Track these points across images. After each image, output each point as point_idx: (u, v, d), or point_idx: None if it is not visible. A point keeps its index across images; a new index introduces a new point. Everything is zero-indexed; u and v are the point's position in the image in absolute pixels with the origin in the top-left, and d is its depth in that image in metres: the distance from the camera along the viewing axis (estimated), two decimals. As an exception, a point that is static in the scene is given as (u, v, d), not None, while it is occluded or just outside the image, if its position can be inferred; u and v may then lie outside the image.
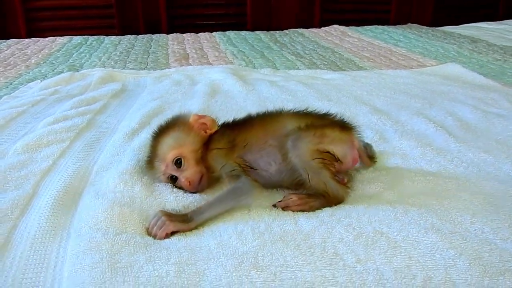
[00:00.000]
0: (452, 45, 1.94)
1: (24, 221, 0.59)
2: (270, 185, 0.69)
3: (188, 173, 0.67)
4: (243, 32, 2.43)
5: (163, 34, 2.40)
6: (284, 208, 0.63)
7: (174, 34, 2.39)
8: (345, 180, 0.71)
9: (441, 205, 0.63)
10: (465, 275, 0.49)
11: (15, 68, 1.60)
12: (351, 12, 2.92)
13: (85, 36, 2.26)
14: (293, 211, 0.63)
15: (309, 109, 0.74)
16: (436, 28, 2.48)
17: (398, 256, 0.52)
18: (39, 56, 1.82)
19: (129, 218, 0.60)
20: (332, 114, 0.73)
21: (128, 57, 1.83)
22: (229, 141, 0.69)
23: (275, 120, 0.71)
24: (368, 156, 0.76)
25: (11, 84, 1.36)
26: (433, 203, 0.64)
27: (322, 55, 1.84)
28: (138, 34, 2.41)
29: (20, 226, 0.58)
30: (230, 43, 2.13)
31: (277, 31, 2.46)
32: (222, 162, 0.66)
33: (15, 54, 1.85)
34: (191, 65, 1.68)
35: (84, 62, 1.72)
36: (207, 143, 0.69)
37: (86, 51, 1.95)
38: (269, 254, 0.52)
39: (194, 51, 1.95)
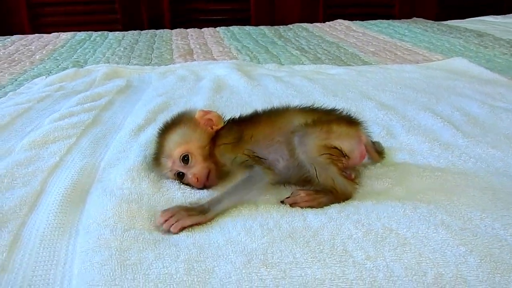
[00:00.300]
0: (458, 39, 1.92)
1: (33, 218, 0.59)
2: (277, 182, 0.68)
3: (196, 169, 0.67)
4: (247, 27, 2.42)
5: (167, 30, 2.40)
6: (292, 205, 0.63)
7: (178, 29, 2.38)
8: (353, 175, 0.70)
9: (450, 201, 0.62)
10: (476, 272, 0.49)
11: (19, 64, 1.60)
12: (355, 6, 2.91)
13: (89, 31, 2.26)
14: (301, 207, 0.62)
15: (315, 105, 0.74)
16: (442, 22, 2.46)
17: (408, 253, 0.51)
18: (44, 52, 1.82)
19: (137, 215, 0.60)
20: (339, 110, 0.73)
21: (132, 52, 1.82)
22: (236, 137, 0.69)
23: (281, 116, 0.70)
24: (377, 151, 0.75)
25: (16, 80, 1.36)
26: (442, 199, 0.63)
27: (326, 50, 1.83)
28: (141, 30, 2.40)
29: (29, 223, 0.58)
30: (234, 38, 2.12)
31: (281, 26, 2.45)
32: (231, 157, 0.66)
33: (19, 50, 1.85)
34: (195, 60, 1.67)
35: (89, 58, 1.72)
36: (214, 139, 0.69)
37: (90, 46, 1.94)
38: (278, 251, 0.51)
39: (198, 46, 1.94)
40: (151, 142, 0.80)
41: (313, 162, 0.63)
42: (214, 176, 0.68)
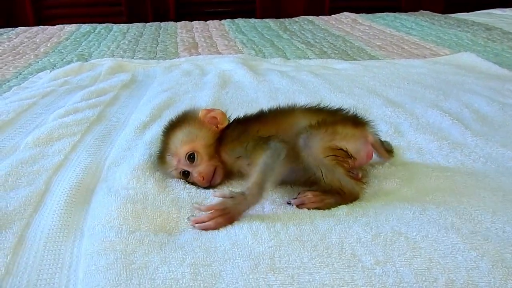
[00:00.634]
0: (466, 33, 1.90)
1: (37, 219, 0.58)
2: (283, 183, 0.67)
3: (201, 167, 0.66)
4: (252, 20, 2.40)
5: (172, 22, 2.38)
6: (299, 206, 0.62)
7: (183, 22, 2.36)
8: (360, 175, 0.69)
9: (460, 203, 0.61)
10: (488, 278, 0.48)
11: (24, 57, 1.59)
12: (361, -2, 2.87)
13: (94, 24, 2.24)
14: (309, 209, 0.62)
15: (321, 105, 0.73)
16: (449, 15, 2.43)
17: (418, 258, 0.50)
18: (48, 45, 1.81)
19: (142, 215, 0.59)
20: (345, 110, 0.72)
21: (137, 46, 1.81)
22: (242, 133, 0.68)
23: (287, 116, 0.70)
24: (386, 150, 0.74)
25: (20, 74, 1.36)
26: (452, 200, 0.62)
27: (332, 44, 1.81)
28: (146, 22, 2.39)
29: (33, 224, 0.57)
30: (240, 31, 2.10)
31: (287, 19, 2.42)
32: (241, 148, 0.65)
33: (24, 43, 1.84)
34: (200, 54, 1.66)
35: (93, 51, 1.71)
36: (219, 139, 0.68)
37: (95, 39, 1.93)
38: (285, 255, 0.51)
39: (203, 39, 1.93)
40: (156, 140, 0.79)
41: (319, 164, 0.63)
42: (220, 174, 0.68)
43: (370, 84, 1.21)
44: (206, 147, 0.68)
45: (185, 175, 0.68)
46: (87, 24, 2.24)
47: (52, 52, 1.69)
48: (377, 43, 1.79)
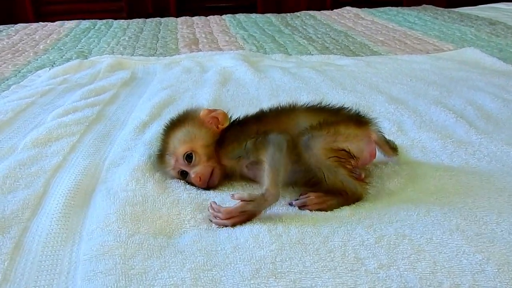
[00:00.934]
0: (470, 27, 1.88)
1: (35, 223, 0.57)
2: (285, 183, 0.66)
3: (199, 168, 0.66)
4: (254, 15, 2.38)
5: (172, 18, 2.37)
6: (301, 207, 0.62)
7: (183, 17, 2.34)
8: (363, 175, 0.68)
9: (464, 204, 0.60)
10: (494, 282, 0.47)
11: (23, 54, 1.58)
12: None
13: (93, 20, 2.23)
14: (311, 210, 0.61)
15: (323, 104, 0.72)
16: (452, 9, 2.40)
17: (423, 262, 0.49)
18: (48, 42, 1.79)
19: (142, 218, 0.58)
20: (347, 108, 0.71)
21: (137, 42, 1.80)
22: (241, 134, 0.67)
23: (288, 117, 0.69)
24: (390, 147, 0.73)
25: (19, 72, 1.35)
26: (456, 201, 0.61)
27: (334, 39, 1.79)
28: (146, 17, 2.37)
29: (31, 228, 0.56)
30: (241, 26, 2.09)
31: (288, 14, 2.40)
32: (241, 148, 0.64)
33: (23, 40, 1.83)
34: (201, 50, 1.65)
35: (93, 48, 1.70)
36: (218, 140, 0.67)
37: (95, 36, 1.92)
38: (287, 259, 0.50)
39: (204, 35, 1.91)
40: (156, 140, 0.78)
41: (321, 166, 0.62)
42: (217, 176, 0.67)
43: (373, 81, 1.19)
44: (205, 147, 0.67)
45: (183, 175, 0.67)
46: (87, 20, 2.23)
47: (51, 49, 1.68)
48: (380, 38, 1.77)
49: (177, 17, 2.38)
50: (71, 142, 0.79)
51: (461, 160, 0.75)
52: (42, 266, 0.49)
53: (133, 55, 1.57)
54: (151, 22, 2.23)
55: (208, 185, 0.66)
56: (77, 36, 1.92)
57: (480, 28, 1.86)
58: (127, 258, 0.50)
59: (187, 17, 2.33)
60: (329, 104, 0.72)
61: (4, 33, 1.95)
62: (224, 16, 2.34)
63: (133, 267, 0.48)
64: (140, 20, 2.27)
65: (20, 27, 2.09)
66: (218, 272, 0.48)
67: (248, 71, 1.26)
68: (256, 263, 0.49)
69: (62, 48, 1.70)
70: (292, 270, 0.48)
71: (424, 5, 2.58)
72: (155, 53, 1.63)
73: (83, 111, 0.93)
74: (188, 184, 0.67)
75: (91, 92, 1.06)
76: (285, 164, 0.60)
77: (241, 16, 2.32)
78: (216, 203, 0.59)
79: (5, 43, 1.77)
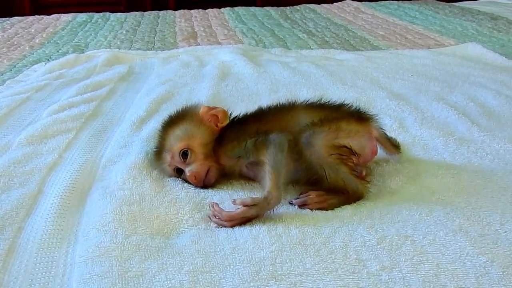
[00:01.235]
0: (471, 22, 1.86)
1: (30, 223, 0.56)
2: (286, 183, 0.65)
3: (194, 166, 0.64)
4: (253, 8, 2.35)
5: (170, 11, 2.34)
6: (301, 206, 0.61)
7: (182, 10, 2.32)
8: (364, 173, 0.67)
9: (467, 203, 0.59)
10: (498, 285, 0.46)
11: (19, 48, 1.56)
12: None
13: (90, 13, 2.21)
14: (311, 209, 0.60)
15: (323, 100, 0.71)
16: (453, 3, 2.38)
17: (425, 264, 0.48)
18: (43, 36, 1.77)
19: (139, 218, 0.57)
20: (348, 105, 0.70)
21: (135, 36, 1.78)
22: (240, 133, 0.66)
23: (288, 114, 0.67)
24: (392, 144, 0.72)
25: (14, 66, 1.33)
26: (459, 201, 0.60)
27: (335, 33, 1.78)
28: (144, 10, 2.35)
29: (25, 228, 0.55)
30: (240, 20, 2.06)
31: (288, 7, 2.38)
32: (240, 148, 0.63)
33: (18, 33, 1.81)
34: (199, 44, 1.63)
35: (90, 42, 1.68)
36: (218, 139, 0.66)
37: (92, 29, 1.90)
38: (287, 260, 0.49)
39: (202, 29, 1.89)
40: (153, 136, 0.77)
41: (322, 163, 0.60)
42: (213, 175, 0.65)
43: (373, 76, 1.18)
44: (202, 145, 0.65)
45: (178, 172, 0.66)
46: (83, 13, 2.20)
47: (47, 43, 1.66)
48: (380, 33, 1.76)
49: (175, 10, 2.35)
50: (67, 139, 0.78)
51: (464, 158, 0.74)
52: (37, 269, 0.48)
53: (130, 49, 1.56)
54: (149, 15, 2.21)
55: (204, 184, 0.65)
56: (74, 29, 1.90)
57: (482, 23, 1.84)
58: (123, 260, 0.48)
59: (186, 10, 2.31)
60: (329, 101, 0.71)
61: (0, 27, 1.93)
62: (223, 9, 2.32)
63: (130, 269, 0.47)
64: (138, 13, 2.25)
65: (16, 20, 2.06)
66: (217, 274, 0.47)
67: (247, 66, 1.24)
68: (256, 264, 0.48)
69: (58, 42, 1.68)
70: (292, 272, 0.47)
71: (425, -1, 2.56)
72: (153, 47, 1.61)
73: (79, 107, 0.92)
74: (185, 182, 0.66)
75: (87, 87, 1.05)
76: (286, 165, 0.59)
77: (240, 9, 2.30)
78: (218, 205, 0.57)
79: (0, 37, 1.75)
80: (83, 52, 1.48)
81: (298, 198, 0.61)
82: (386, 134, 0.72)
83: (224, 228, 0.56)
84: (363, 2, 2.40)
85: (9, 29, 1.89)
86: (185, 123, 0.67)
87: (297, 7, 2.39)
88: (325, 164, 0.61)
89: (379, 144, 0.70)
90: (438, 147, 0.78)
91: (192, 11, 2.29)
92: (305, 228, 0.54)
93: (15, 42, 1.65)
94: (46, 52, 1.51)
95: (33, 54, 1.48)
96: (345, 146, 0.62)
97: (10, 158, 0.70)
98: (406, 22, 1.92)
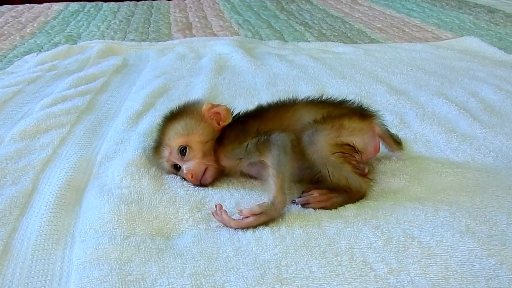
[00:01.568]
0: (468, 15, 1.85)
1: (24, 222, 0.54)
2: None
3: (191, 164, 0.62)
4: (248, -1, 2.32)
5: (164, 1, 2.30)
6: (304, 205, 0.59)
7: (176, 0, 2.28)
8: (366, 170, 0.66)
9: (473, 203, 0.58)
10: (508, 289, 0.45)
11: (9, 38, 1.52)
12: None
13: (82, 2, 2.16)
14: (314, 208, 0.58)
15: (324, 97, 0.69)
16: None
17: (434, 266, 0.47)
18: (35, 25, 1.73)
19: (138, 217, 0.55)
20: (350, 101, 0.68)
21: (128, 26, 1.74)
22: (241, 134, 0.64)
23: (289, 111, 0.66)
24: (394, 141, 0.71)
25: (5, 57, 1.29)
26: (464, 200, 0.59)
27: (331, 25, 1.76)
28: (137, 0, 2.30)
29: (20, 228, 0.53)
30: (235, 11, 2.03)
31: (284, -2, 2.35)
32: (241, 149, 0.61)
33: (9, 23, 1.76)
34: (194, 35, 1.60)
35: (82, 32, 1.64)
36: (219, 138, 0.64)
37: (84, 19, 1.85)
38: (293, 263, 0.47)
39: (197, 19, 1.86)
40: (150, 131, 0.75)
41: (325, 162, 0.59)
42: (211, 175, 0.63)
43: (372, 70, 1.16)
44: (202, 143, 0.63)
45: (176, 169, 0.65)
46: (75, 2, 2.15)
47: (39, 32, 1.62)
48: (377, 25, 1.74)
49: (169, 0, 2.31)
50: (61, 134, 0.76)
51: (467, 156, 0.73)
52: (32, 272, 0.46)
53: (124, 40, 1.52)
54: (142, 5, 2.17)
55: (201, 183, 0.63)
56: (66, 19, 1.85)
57: (479, 16, 1.83)
58: (123, 262, 0.47)
59: (179, 0, 2.27)
60: (330, 97, 0.69)
61: (-11, 15, 1.88)
62: (217, 0, 2.28)
63: (130, 272, 0.45)
64: (131, 3, 2.21)
65: (6, 9, 2.01)
66: (221, 278, 0.45)
67: (244, 58, 1.22)
68: (260, 267, 0.47)
69: (50, 31, 1.64)
70: (298, 275, 0.46)
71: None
72: (147, 38, 1.58)
73: (73, 100, 0.89)
74: (184, 179, 0.64)
75: (81, 79, 1.02)
76: (290, 167, 0.57)
77: (235, 0, 2.27)
78: (227, 213, 0.55)
79: (-11, 25, 1.70)
80: (75, 43, 1.44)
81: (300, 197, 0.60)
82: (388, 131, 0.70)
83: (225, 228, 0.54)
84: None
85: (-1, 18, 1.84)
86: (186, 118, 0.65)
87: (293, -3, 2.36)
88: (328, 162, 0.59)
89: (381, 141, 0.69)
90: (440, 144, 0.77)
91: (186, 1, 2.26)
92: (309, 229, 0.53)
93: (5, 32, 1.61)
94: (38, 42, 1.47)
95: (24, 44, 1.44)
96: (348, 144, 0.61)
97: (2, 154, 0.68)
98: (403, 15, 1.91)
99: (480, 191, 0.62)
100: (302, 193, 0.61)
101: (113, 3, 2.19)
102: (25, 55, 1.28)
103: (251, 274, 0.46)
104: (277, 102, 0.68)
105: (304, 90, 0.99)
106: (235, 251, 0.49)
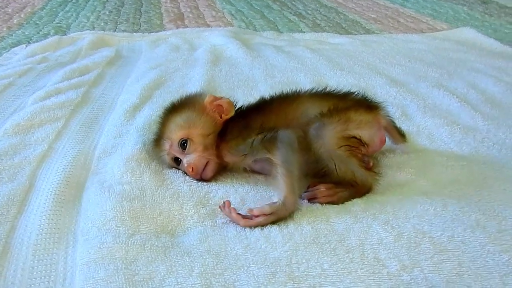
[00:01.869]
0: (462, 6, 1.85)
1: (23, 221, 0.52)
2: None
3: (192, 158, 0.61)
4: (239, -11, 2.28)
5: (154, -9, 2.25)
6: (310, 200, 0.58)
7: (166, -10, 2.24)
8: (371, 163, 0.65)
9: (480, 197, 0.58)
10: (523, 285, 0.44)
11: (-4, 29, 1.47)
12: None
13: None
14: (321, 203, 0.57)
15: (328, 89, 0.68)
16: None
17: (447, 262, 0.46)
18: (22, 16, 1.68)
19: (141, 214, 0.54)
20: (354, 93, 0.67)
21: (119, 17, 1.70)
22: (245, 129, 0.62)
23: (293, 105, 0.64)
24: (399, 134, 0.70)
25: (-7, 49, 1.25)
26: (472, 194, 0.59)
27: (325, 16, 1.74)
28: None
29: (19, 227, 0.51)
30: (227, 1, 2.00)
31: (275, -12, 2.32)
32: (246, 145, 0.59)
33: (-5, 13, 1.71)
34: (187, 26, 1.57)
35: (72, 23, 1.60)
36: (221, 131, 0.62)
37: (73, 9, 1.81)
38: (304, 261, 0.46)
39: (189, 10, 1.83)
40: (148, 125, 0.73)
41: (332, 155, 0.58)
42: (212, 169, 0.62)
43: (370, 61, 1.15)
44: (203, 136, 0.62)
45: (176, 162, 0.63)
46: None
47: (26, 23, 1.57)
48: (372, 16, 1.73)
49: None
50: (56, 128, 0.73)
51: (471, 148, 0.72)
52: (34, 273, 0.44)
53: (115, 30, 1.49)
54: (132, -5, 2.12)
55: (201, 177, 0.61)
56: (54, 9, 1.81)
57: (473, 6, 1.83)
58: (129, 261, 0.45)
59: (170, -10, 2.22)
60: (334, 89, 0.68)
61: (-26, 5, 1.82)
62: (209, -10, 2.24)
63: (137, 272, 0.44)
64: (121, -7, 2.16)
65: (-9, -1, 1.95)
66: (231, 276, 0.44)
67: (240, 50, 1.20)
68: (271, 265, 0.45)
69: (38, 22, 1.59)
70: (310, 273, 0.45)
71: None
72: (139, 28, 1.54)
73: (67, 93, 0.86)
74: (185, 173, 0.62)
75: (74, 71, 0.99)
76: (299, 166, 0.56)
77: (226, -10, 2.23)
78: (236, 211, 0.53)
79: (-25, 16, 1.65)
80: (65, 34, 1.40)
81: (307, 191, 0.59)
82: (394, 123, 0.69)
83: (232, 224, 0.53)
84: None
85: (-16, 8, 1.79)
86: (187, 111, 0.63)
87: (285, -12, 2.33)
88: (335, 156, 0.58)
89: (386, 133, 0.68)
90: (443, 136, 0.76)
91: (177, -9, 2.21)
92: (317, 225, 0.52)
93: (-8, 22, 1.56)
94: (26, 33, 1.43)
95: (12, 35, 1.40)
96: (355, 137, 0.60)
97: (-4, 149, 0.65)
98: (398, 5, 1.90)
99: (487, 184, 0.61)
100: (308, 188, 0.60)
101: (102, -8, 2.14)
102: (14, 47, 1.24)
103: (262, 273, 0.44)
104: (280, 95, 0.67)
105: (303, 82, 0.98)
106: (243, 248, 0.48)
